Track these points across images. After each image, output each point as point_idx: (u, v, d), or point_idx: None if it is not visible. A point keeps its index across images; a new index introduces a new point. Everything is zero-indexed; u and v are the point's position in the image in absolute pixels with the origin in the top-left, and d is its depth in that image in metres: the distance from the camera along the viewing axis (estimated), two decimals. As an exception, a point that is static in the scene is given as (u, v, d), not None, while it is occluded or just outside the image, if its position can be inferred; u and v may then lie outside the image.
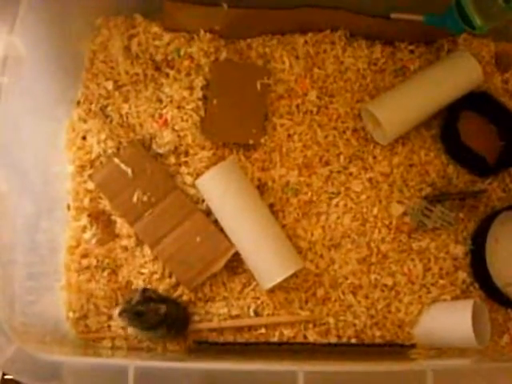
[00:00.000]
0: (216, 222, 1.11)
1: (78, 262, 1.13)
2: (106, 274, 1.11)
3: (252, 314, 1.09)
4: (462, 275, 1.14)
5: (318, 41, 1.21)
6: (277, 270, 1.07)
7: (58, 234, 1.13)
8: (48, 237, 1.11)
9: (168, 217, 1.10)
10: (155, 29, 1.17)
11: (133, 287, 1.11)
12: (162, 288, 1.10)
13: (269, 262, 1.07)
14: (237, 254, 1.10)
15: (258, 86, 1.16)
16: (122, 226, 1.13)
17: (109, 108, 1.16)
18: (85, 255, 1.13)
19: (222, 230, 1.11)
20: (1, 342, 0.89)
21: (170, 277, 1.11)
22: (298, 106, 1.18)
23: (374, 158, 1.17)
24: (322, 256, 1.13)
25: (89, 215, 1.13)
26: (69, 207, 1.14)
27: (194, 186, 1.13)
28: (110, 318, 1.10)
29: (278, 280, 1.06)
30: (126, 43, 1.16)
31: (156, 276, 1.11)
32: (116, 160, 1.12)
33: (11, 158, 1.01)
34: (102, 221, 1.13)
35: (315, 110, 1.18)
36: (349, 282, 1.12)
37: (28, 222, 1.06)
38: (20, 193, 1.03)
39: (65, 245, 1.13)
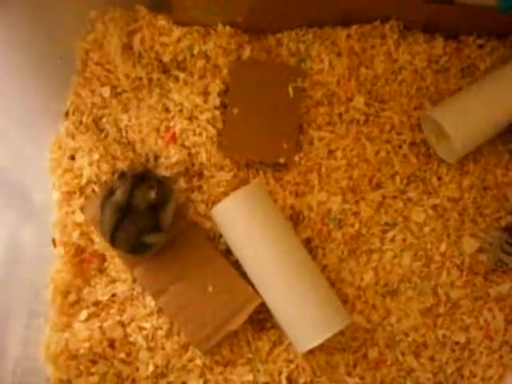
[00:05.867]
0: (237, 263, 1.01)
1: (65, 312, 1.02)
2: (96, 326, 0.99)
3: (284, 381, 0.98)
4: (554, 329, 1.05)
5: (365, 34, 1.10)
6: (316, 328, 0.96)
7: (43, 274, 1.03)
8: (30, 277, 1.03)
9: (175, 259, 0.99)
10: (162, 22, 1.08)
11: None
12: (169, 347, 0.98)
13: (305, 318, 0.96)
14: (264, 305, 1.00)
15: (290, 91, 1.07)
16: (119, 269, 1.03)
17: (104, 120, 1.08)
18: (75, 302, 1.03)
19: (244, 274, 1.01)
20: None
21: (179, 334, 1.00)
22: (340, 115, 1.09)
23: (439, 179, 1.07)
24: (374, 307, 1.02)
25: (79, 254, 1.04)
26: (54, 242, 1.04)
27: (209, 217, 1.03)
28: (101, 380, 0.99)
29: (318, 342, 0.95)
30: (125, 40, 1.08)
31: (161, 332, 1.00)
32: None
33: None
34: (94, 262, 1.04)
35: (363, 119, 1.08)
36: (410, 339, 1.01)
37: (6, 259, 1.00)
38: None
39: (51, 287, 1.03)
